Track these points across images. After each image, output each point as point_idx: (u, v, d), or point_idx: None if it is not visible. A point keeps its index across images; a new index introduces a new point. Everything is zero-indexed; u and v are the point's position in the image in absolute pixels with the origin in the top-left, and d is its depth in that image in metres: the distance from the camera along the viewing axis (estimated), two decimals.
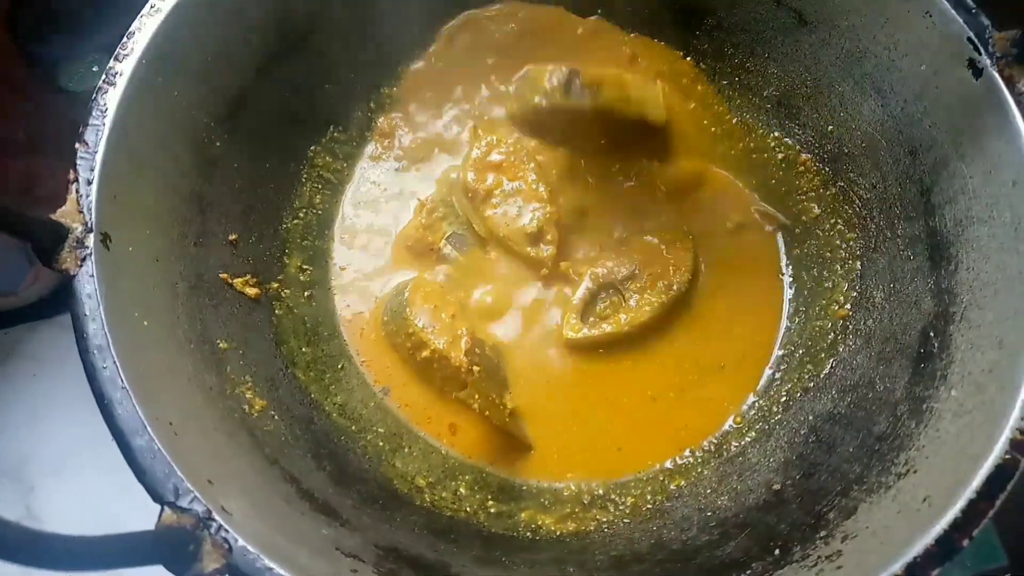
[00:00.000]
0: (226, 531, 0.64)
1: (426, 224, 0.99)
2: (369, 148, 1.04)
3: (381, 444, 0.90)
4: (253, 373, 0.84)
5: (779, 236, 1.00)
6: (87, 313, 0.70)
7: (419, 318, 0.92)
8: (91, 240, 0.73)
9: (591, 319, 0.95)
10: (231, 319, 0.86)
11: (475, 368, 0.85)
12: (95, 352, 0.69)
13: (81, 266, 0.72)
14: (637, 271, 0.95)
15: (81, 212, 0.74)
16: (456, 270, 0.99)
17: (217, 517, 0.64)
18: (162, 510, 0.64)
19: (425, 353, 0.91)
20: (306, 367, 0.91)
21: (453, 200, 1.00)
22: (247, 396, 0.81)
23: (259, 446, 0.77)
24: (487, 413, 0.85)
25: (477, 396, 0.84)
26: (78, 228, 0.73)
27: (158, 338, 0.75)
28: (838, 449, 0.82)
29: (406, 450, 0.90)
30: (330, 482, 0.80)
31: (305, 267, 0.97)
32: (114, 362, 0.69)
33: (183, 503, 0.64)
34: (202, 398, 0.76)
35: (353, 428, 0.90)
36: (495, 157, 1.00)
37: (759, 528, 0.78)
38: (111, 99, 0.78)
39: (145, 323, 0.75)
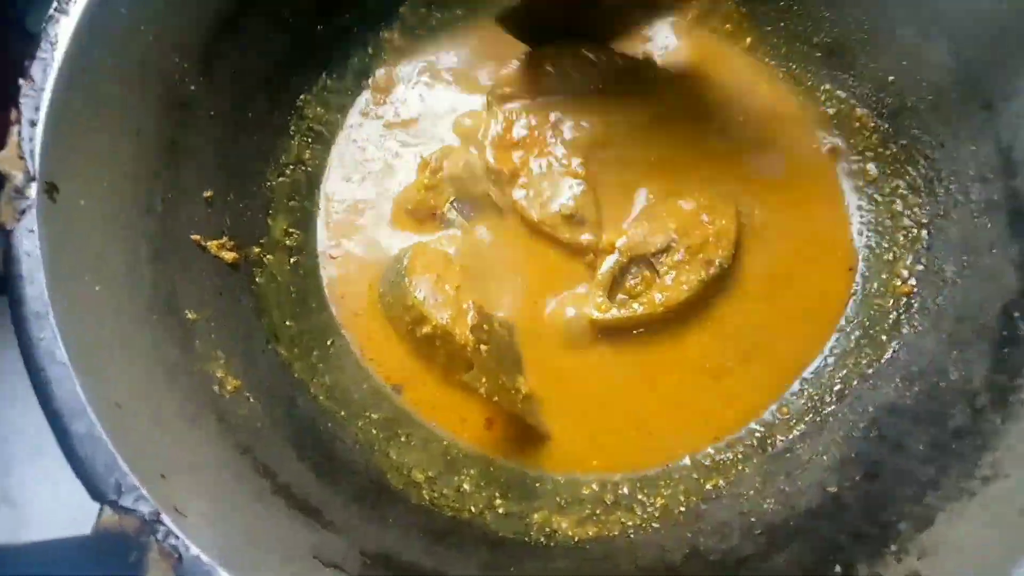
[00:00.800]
0: (176, 536, 0.53)
1: (429, 185, 0.87)
2: (365, 100, 0.92)
3: (374, 432, 0.79)
4: (226, 348, 0.73)
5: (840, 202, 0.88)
6: (24, 275, 0.60)
7: (419, 289, 0.81)
8: (33, 190, 0.62)
9: (620, 297, 0.83)
10: (203, 286, 0.75)
11: (482, 347, 0.74)
12: (31, 319, 0.59)
13: (20, 220, 0.61)
14: (673, 242, 0.82)
15: (22, 158, 0.63)
16: (463, 237, 0.87)
17: (167, 520, 0.53)
18: (101, 510, 0.54)
19: (426, 329, 0.80)
20: (290, 343, 0.80)
21: (467, 177, 0.88)
22: (218, 374, 0.70)
23: (229, 433, 0.66)
24: (496, 398, 0.73)
25: (485, 379, 0.73)
26: (18, 176, 0.62)
27: (112, 306, 0.64)
28: (906, 446, 0.70)
29: (403, 439, 0.79)
30: (312, 475, 0.70)
31: (291, 230, 0.86)
32: (54, 332, 0.58)
33: (126, 502, 0.54)
34: (162, 376, 0.65)
35: (342, 413, 0.79)
36: (517, 132, 0.88)
37: (813, 538, 0.67)
38: (63, 29, 0.67)
39: (97, 288, 0.64)
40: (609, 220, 0.85)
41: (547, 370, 0.81)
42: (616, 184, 0.86)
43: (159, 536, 0.53)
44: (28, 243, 0.60)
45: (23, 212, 0.61)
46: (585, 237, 0.84)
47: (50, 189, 0.63)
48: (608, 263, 0.83)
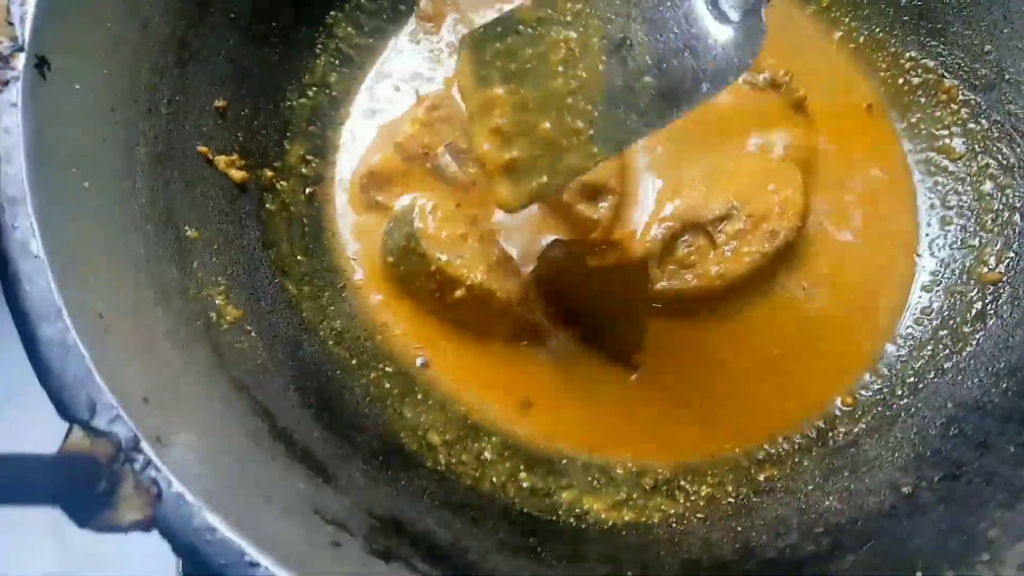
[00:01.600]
0: (157, 469, 0.44)
1: (424, 121, 0.77)
2: (407, 27, 0.83)
3: (387, 386, 0.69)
4: (228, 275, 0.64)
5: (915, 176, 0.79)
6: (0, 153, 0.50)
7: (440, 251, 0.71)
8: (20, 61, 0.53)
9: (671, 267, 0.73)
10: (206, 205, 0.66)
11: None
12: (4, 205, 0.49)
13: (1, 91, 0.52)
14: (734, 210, 0.73)
15: (11, 24, 0.54)
16: (463, 191, 0.76)
17: (147, 447, 0.44)
18: (70, 430, 0.45)
19: (459, 293, 0.70)
20: (300, 280, 0.71)
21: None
22: (217, 302, 0.61)
23: (225, 366, 0.57)
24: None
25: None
26: (3, 43, 0.53)
27: (101, 207, 0.55)
28: (993, 447, 0.61)
29: (419, 396, 0.70)
30: (317, 425, 0.60)
31: (309, 158, 0.76)
32: (31, 222, 0.49)
33: (99, 423, 0.44)
34: (153, 293, 0.56)
35: (354, 362, 0.69)
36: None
37: (886, 540, 0.58)
38: None
39: (86, 184, 0.55)
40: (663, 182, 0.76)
41: None
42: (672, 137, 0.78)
43: (136, 466, 0.44)
44: (7, 119, 0.51)
45: (6, 83, 0.52)
46: (601, 210, 0.75)
47: (40, 63, 0.54)
48: (659, 229, 0.74)
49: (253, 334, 0.62)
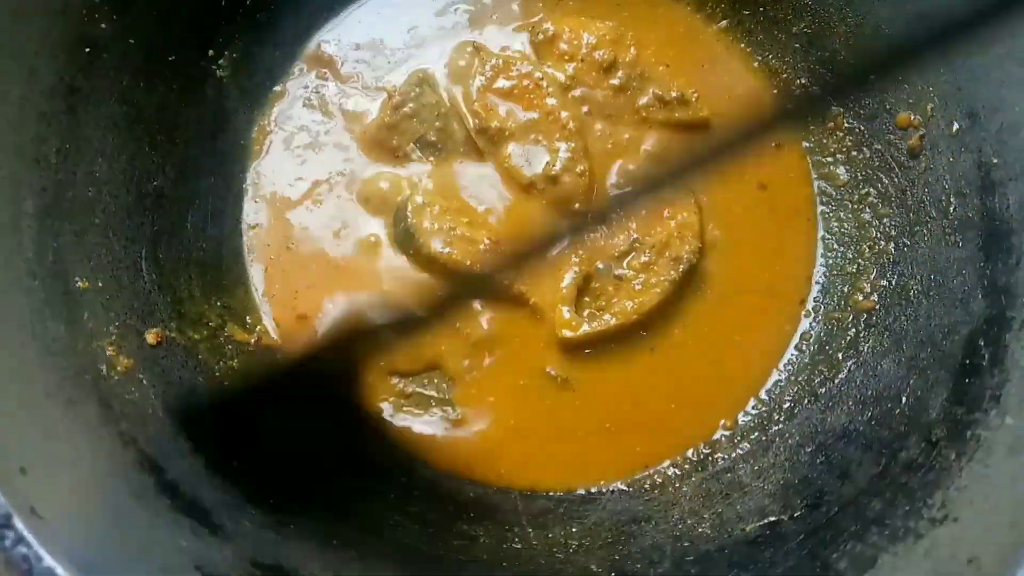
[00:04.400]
0: (28, 545, 0.46)
1: (390, 123, 0.80)
2: (299, 68, 0.84)
3: (290, 423, 0.71)
4: (120, 324, 0.65)
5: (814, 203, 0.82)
6: None
7: (434, 242, 0.75)
8: None
9: (588, 312, 0.76)
10: (98, 253, 0.67)
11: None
12: None
13: None
14: (636, 242, 0.76)
15: None
16: (436, 174, 0.81)
17: (18, 523, 0.47)
18: None
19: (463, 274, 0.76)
20: (197, 322, 0.73)
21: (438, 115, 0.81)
22: (107, 353, 0.63)
23: (112, 420, 0.59)
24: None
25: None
26: None
27: None
28: (853, 476, 0.65)
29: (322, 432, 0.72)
30: (206, 472, 0.63)
31: (209, 195, 0.77)
32: None
33: None
34: (38, 351, 0.57)
35: (251, 403, 0.71)
36: (503, 83, 0.81)
37: (750, 571, 0.62)
38: None
39: None
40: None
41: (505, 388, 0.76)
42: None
43: (7, 543, 0.46)
44: None
45: None
46: (573, 206, 0.79)
47: None
48: (569, 275, 0.76)
49: (144, 383, 0.64)
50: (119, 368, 0.63)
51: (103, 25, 0.69)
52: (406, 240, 0.76)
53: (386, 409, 0.75)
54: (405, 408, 0.75)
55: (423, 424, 0.74)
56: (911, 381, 0.68)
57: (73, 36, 0.67)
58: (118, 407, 0.60)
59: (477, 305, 0.77)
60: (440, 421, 0.74)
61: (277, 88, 0.83)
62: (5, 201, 0.60)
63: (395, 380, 0.75)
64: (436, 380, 0.76)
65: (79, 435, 0.56)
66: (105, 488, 0.54)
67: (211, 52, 0.79)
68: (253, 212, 0.79)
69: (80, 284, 0.64)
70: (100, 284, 0.65)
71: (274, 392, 0.73)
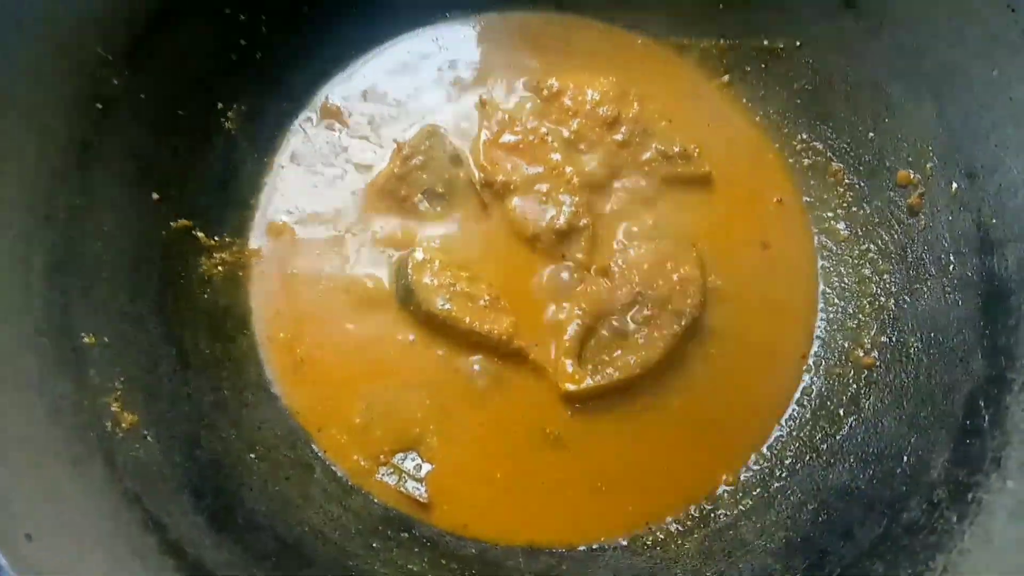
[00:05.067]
0: None
1: (400, 174, 0.81)
2: (309, 116, 0.85)
3: (286, 478, 0.71)
4: (125, 378, 0.66)
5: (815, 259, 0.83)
6: None
7: (434, 299, 0.76)
8: None
9: (592, 365, 0.76)
10: (105, 307, 0.67)
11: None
12: None
13: None
14: (639, 296, 0.77)
15: None
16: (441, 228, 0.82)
17: None
18: None
19: (462, 331, 0.76)
20: (202, 370, 0.73)
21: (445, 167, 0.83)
22: (112, 409, 0.63)
23: (117, 479, 0.59)
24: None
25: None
26: None
27: None
28: (855, 535, 0.66)
29: (317, 490, 0.72)
30: (209, 530, 0.63)
31: (216, 249, 0.78)
32: None
33: None
34: (45, 410, 0.58)
35: (251, 455, 0.71)
36: (509, 138, 0.83)
37: None
38: None
39: None
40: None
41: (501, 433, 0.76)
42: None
43: None
44: None
45: None
46: (576, 258, 0.80)
47: None
48: (572, 328, 0.77)
49: (149, 438, 0.64)
50: (124, 424, 0.63)
51: (115, 81, 0.70)
52: (406, 296, 0.77)
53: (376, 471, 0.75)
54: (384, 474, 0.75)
55: (410, 485, 0.74)
56: (912, 440, 0.69)
57: (86, 93, 0.68)
58: (123, 464, 0.61)
59: (473, 360, 0.77)
60: (423, 485, 0.73)
61: (285, 139, 0.84)
62: (16, 260, 0.61)
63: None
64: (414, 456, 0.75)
65: (84, 496, 0.56)
66: (109, 551, 0.54)
67: (220, 105, 0.80)
68: (258, 259, 0.80)
69: (87, 340, 0.64)
70: (106, 339, 0.66)
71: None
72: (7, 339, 0.58)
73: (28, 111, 0.63)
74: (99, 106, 0.69)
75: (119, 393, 0.64)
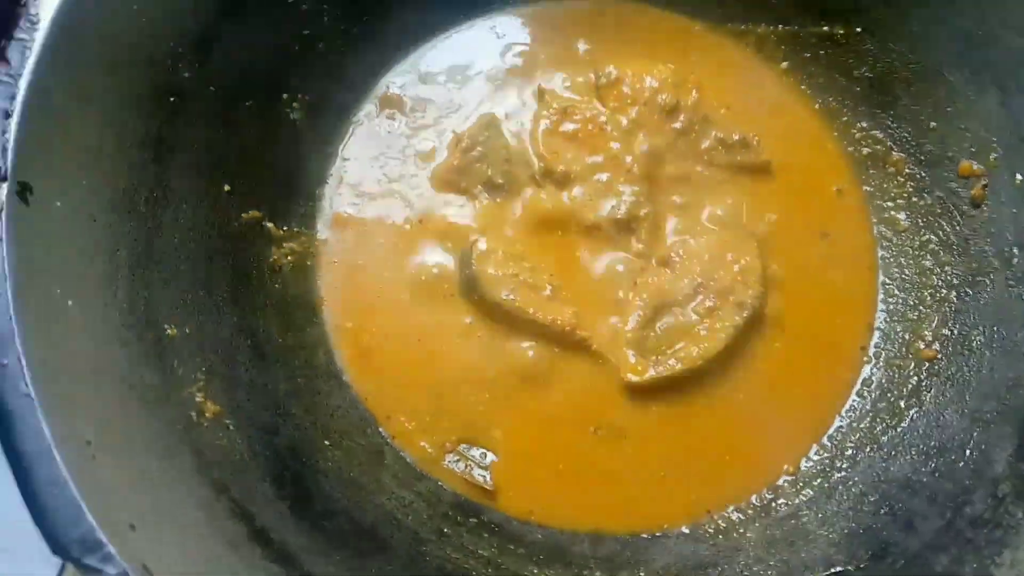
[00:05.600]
0: None
1: (459, 166, 0.82)
2: (372, 108, 0.86)
3: (359, 465, 0.73)
4: (207, 369, 0.67)
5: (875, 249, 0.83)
6: None
7: (498, 290, 0.77)
8: (3, 192, 0.56)
9: (654, 356, 0.77)
10: (184, 299, 0.69)
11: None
12: None
13: None
14: (700, 287, 0.77)
15: None
16: (499, 214, 0.83)
17: None
18: (63, 567, 0.49)
19: (526, 321, 0.77)
20: (276, 359, 0.75)
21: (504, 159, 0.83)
22: (197, 399, 0.65)
23: (205, 469, 0.61)
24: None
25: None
26: None
27: (85, 323, 0.59)
28: (918, 528, 0.67)
29: (390, 477, 0.74)
30: (291, 516, 0.65)
31: (286, 239, 0.79)
32: (19, 357, 0.52)
33: (91, 560, 0.49)
34: (136, 404, 0.60)
35: (326, 442, 0.73)
36: (568, 126, 0.83)
37: None
38: (46, 7, 0.61)
39: (70, 303, 0.58)
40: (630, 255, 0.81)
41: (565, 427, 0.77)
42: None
43: None
44: None
45: None
46: (637, 248, 0.80)
47: (23, 190, 0.57)
48: (635, 316, 0.77)
49: (231, 428, 0.66)
50: (207, 414, 0.65)
51: (186, 74, 0.71)
52: (470, 286, 0.78)
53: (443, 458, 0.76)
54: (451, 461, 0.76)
55: (476, 472, 0.75)
56: (975, 434, 0.69)
57: (159, 87, 0.69)
58: (210, 454, 0.63)
59: (536, 350, 0.78)
60: (489, 473, 0.75)
61: (348, 130, 0.85)
62: (103, 253, 0.62)
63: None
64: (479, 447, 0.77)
65: (178, 486, 0.58)
66: (204, 539, 0.57)
67: (285, 96, 0.81)
68: (325, 249, 0.81)
69: (169, 332, 0.66)
70: (187, 330, 0.68)
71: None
72: (100, 336, 0.59)
73: (106, 107, 0.65)
74: (172, 99, 0.70)
75: (201, 383, 0.66)
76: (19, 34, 0.60)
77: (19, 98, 0.58)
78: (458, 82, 0.87)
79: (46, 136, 0.59)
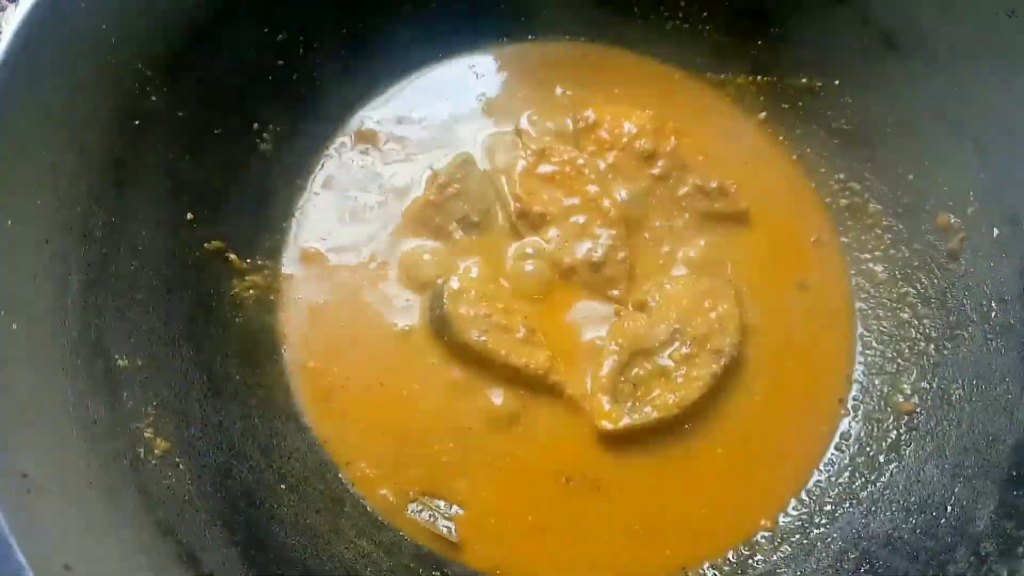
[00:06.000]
0: None
1: (435, 202, 0.80)
2: (344, 141, 0.84)
3: (316, 512, 0.69)
4: (158, 403, 0.64)
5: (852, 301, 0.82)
6: None
7: (469, 330, 0.74)
8: None
9: (629, 403, 0.74)
10: (138, 328, 0.65)
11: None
12: None
13: None
14: (677, 333, 0.75)
15: None
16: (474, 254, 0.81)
17: None
18: None
19: (497, 364, 0.74)
20: (233, 396, 0.71)
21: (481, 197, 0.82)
22: (145, 435, 0.61)
23: (150, 508, 0.57)
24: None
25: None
26: None
27: (29, 349, 0.55)
28: None
29: (348, 526, 0.70)
30: (241, 563, 0.61)
31: (249, 272, 0.76)
32: None
33: None
34: (80, 436, 0.56)
35: (282, 486, 0.69)
36: (545, 168, 0.81)
37: None
38: (9, 21, 0.59)
39: (14, 327, 0.55)
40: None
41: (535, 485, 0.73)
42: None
43: None
44: None
45: None
46: (613, 293, 0.79)
47: None
48: (608, 363, 0.75)
49: (181, 466, 0.62)
50: (156, 451, 0.61)
51: (153, 98, 0.69)
52: (440, 326, 0.75)
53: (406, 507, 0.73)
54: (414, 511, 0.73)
55: (441, 523, 0.72)
56: (956, 489, 0.67)
57: (124, 109, 0.67)
58: (156, 493, 0.59)
59: (507, 396, 0.75)
60: (454, 524, 0.71)
61: (320, 163, 0.83)
62: (53, 278, 0.59)
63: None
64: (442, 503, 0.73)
65: (120, 526, 0.54)
66: None
67: (256, 126, 0.79)
68: (290, 284, 0.78)
69: (121, 363, 0.62)
70: (139, 362, 0.64)
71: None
72: (44, 360, 0.56)
73: (67, 126, 0.62)
74: (136, 123, 0.67)
75: (152, 418, 0.62)
76: None
77: None
78: (435, 119, 0.85)
79: (0, 152, 0.56)
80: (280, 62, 0.79)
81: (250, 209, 0.78)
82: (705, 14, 0.87)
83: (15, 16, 0.59)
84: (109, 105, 0.66)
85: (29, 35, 0.58)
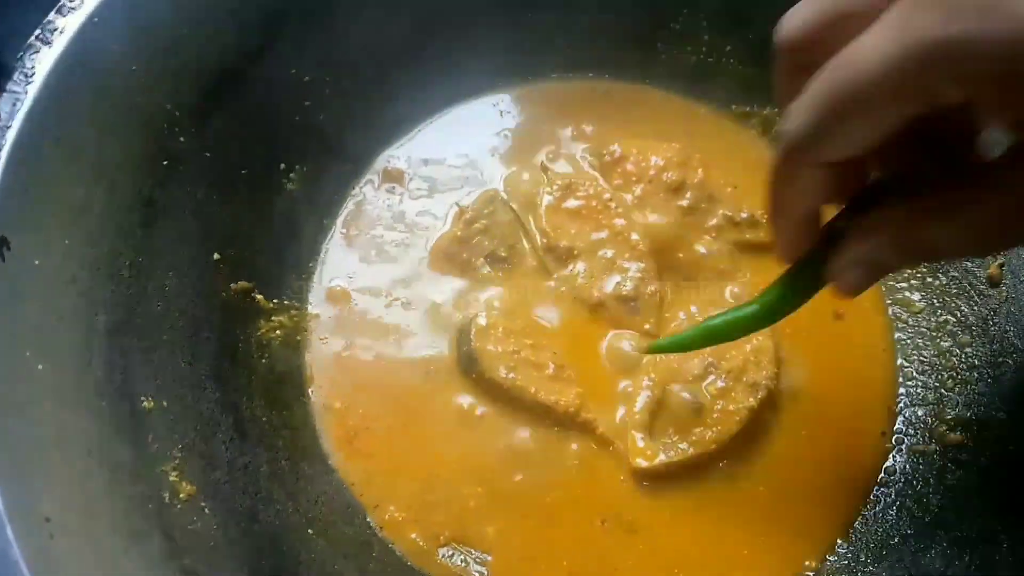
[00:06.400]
0: None
1: (462, 237, 0.79)
2: (372, 180, 0.85)
3: (344, 558, 0.67)
4: (183, 446, 0.62)
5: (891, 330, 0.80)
6: None
7: (497, 368, 0.73)
8: None
9: (665, 440, 0.72)
10: (164, 370, 0.64)
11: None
12: None
13: None
14: (712, 367, 0.73)
15: None
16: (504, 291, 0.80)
17: None
18: None
19: (527, 401, 0.73)
20: (259, 439, 0.70)
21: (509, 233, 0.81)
22: (171, 478, 0.60)
23: (175, 555, 0.55)
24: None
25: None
26: None
27: (55, 390, 0.54)
28: None
29: (382, 568, 0.68)
30: None
31: (275, 313, 0.76)
32: None
33: None
34: (105, 480, 0.54)
35: (310, 531, 0.67)
36: (572, 203, 0.81)
37: None
38: (42, 62, 0.59)
39: (40, 367, 0.54)
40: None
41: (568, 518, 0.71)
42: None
43: None
44: None
45: None
46: (645, 327, 0.77)
47: (1, 244, 0.54)
48: (642, 399, 0.73)
49: (207, 511, 0.61)
50: (182, 495, 0.60)
51: (182, 138, 0.69)
52: (468, 364, 0.74)
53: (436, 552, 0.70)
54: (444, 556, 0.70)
55: (473, 568, 0.69)
56: (1010, 521, 0.64)
57: (153, 149, 0.67)
58: (181, 539, 0.57)
59: (537, 435, 0.73)
60: (487, 569, 0.69)
61: (345, 203, 0.83)
62: (79, 318, 0.59)
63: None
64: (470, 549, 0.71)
65: (144, 572, 0.52)
66: None
67: (283, 165, 0.79)
68: (317, 324, 0.77)
69: (146, 404, 0.61)
70: (165, 404, 0.63)
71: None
72: (70, 405, 0.55)
73: (97, 166, 0.62)
74: (165, 163, 0.68)
75: (177, 461, 0.61)
76: (11, 87, 0.58)
77: (4, 150, 0.56)
78: (460, 157, 0.85)
79: (29, 190, 0.56)
80: (307, 103, 0.79)
81: (277, 249, 0.77)
82: (728, 48, 0.87)
83: (48, 57, 0.59)
84: (138, 145, 0.66)
85: (61, 75, 0.59)
